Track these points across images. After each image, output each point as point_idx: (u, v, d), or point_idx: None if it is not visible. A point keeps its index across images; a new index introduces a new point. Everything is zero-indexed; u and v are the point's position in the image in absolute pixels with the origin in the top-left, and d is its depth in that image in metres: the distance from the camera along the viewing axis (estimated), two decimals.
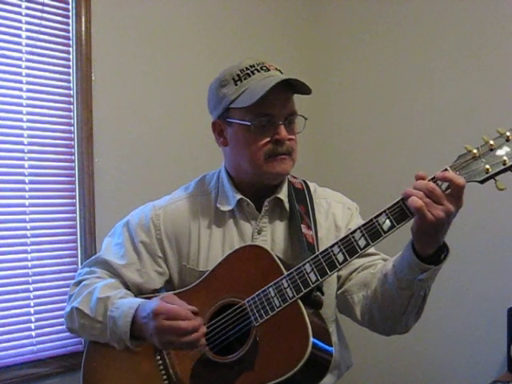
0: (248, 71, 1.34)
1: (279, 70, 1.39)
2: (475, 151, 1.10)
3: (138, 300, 1.33)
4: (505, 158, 1.08)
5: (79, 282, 1.46)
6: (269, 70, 1.35)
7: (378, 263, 1.37)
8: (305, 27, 3.00)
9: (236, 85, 1.34)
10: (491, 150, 1.09)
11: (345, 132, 2.92)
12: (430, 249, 1.15)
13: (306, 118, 1.38)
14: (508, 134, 1.09)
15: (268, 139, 1.33)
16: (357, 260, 1.38)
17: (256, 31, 2.77)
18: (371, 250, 1.40)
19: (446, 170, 1.12)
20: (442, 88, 2.55)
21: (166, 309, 1.23)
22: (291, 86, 1.34)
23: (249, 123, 1.32)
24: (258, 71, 1.34)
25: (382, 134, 2.77)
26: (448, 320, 2.51)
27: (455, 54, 2.51)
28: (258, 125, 1.32)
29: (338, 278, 1.43)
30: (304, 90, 1.34)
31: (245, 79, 1.33)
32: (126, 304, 1.32)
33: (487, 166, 1.09)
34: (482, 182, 1.10)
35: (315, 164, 2.92)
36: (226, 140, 1.41)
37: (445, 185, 1.11)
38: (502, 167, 1.08)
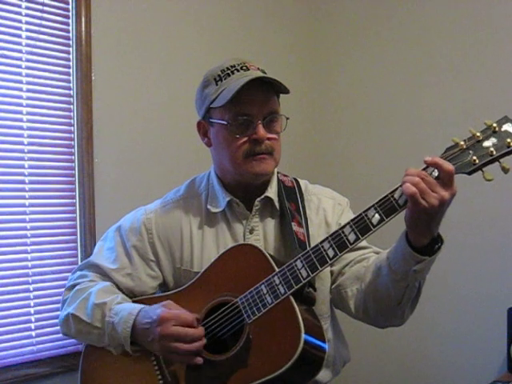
0: (228, 71, 1.34)
1: (262, 70, 1.37)
2: (462, 143, 1.12)
3: (138, 306, 1.33)
4: (492, 149, 1.09)
5: (72, 287, 1.45)
6: (248, 70, 1.34)
7: (371, 256, 1.38)
8: (305, 27, 3.00)
9: (217, 85, 1.34)
10: (478, 141, 1.11)
11: (345, 131, 2.92)
12: (423, 239, 1.15)
13: (287, 118, 1.37)
14: (495, 125, 1.10)
15: (246, 138, 1.32)
16: (349, 254, 1.38)
17: (256, 32, 2.77)
18: (363, 243, 1.41)
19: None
20: (443, 88, 2.55)
21: (175, 314, 1.24)
22: (272, 85, 1.32)
23: (226, 123, 1.32)
24: (238, 71, 1.34)
25: (381, 134, 2.77)
26: (448, 320, 2.51)
27: (456, 55, 2.51)
28: (236, 124, 1.32)
29: (331, 272, 1.43)
30: (283, 89, 1.33)
31: (225, 79, 1.33)
32: (126, 309, 1.31)
33: (474, 158, 1.10)
34: (469, 173, 1.11)
35: (315, 163, 2.92)
36: (209, 140, 1.41)
37: (435, 173, 1.11)
38: (489, 158, 1.09)
